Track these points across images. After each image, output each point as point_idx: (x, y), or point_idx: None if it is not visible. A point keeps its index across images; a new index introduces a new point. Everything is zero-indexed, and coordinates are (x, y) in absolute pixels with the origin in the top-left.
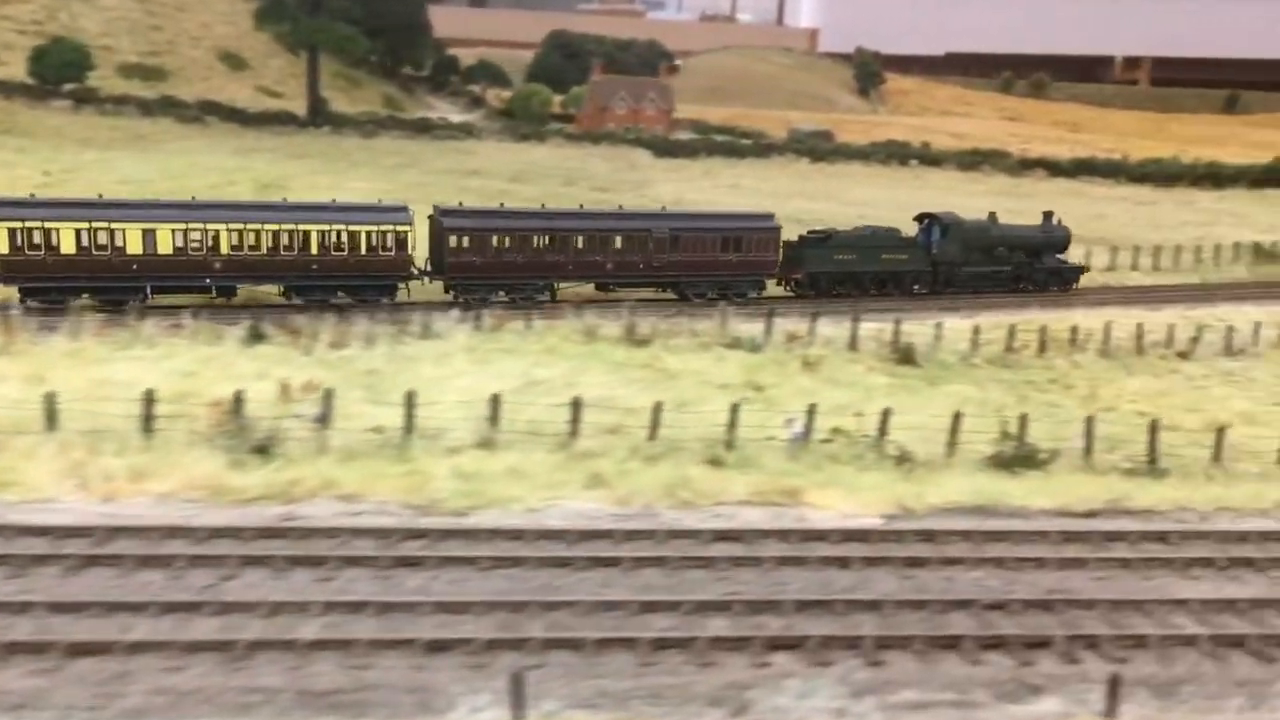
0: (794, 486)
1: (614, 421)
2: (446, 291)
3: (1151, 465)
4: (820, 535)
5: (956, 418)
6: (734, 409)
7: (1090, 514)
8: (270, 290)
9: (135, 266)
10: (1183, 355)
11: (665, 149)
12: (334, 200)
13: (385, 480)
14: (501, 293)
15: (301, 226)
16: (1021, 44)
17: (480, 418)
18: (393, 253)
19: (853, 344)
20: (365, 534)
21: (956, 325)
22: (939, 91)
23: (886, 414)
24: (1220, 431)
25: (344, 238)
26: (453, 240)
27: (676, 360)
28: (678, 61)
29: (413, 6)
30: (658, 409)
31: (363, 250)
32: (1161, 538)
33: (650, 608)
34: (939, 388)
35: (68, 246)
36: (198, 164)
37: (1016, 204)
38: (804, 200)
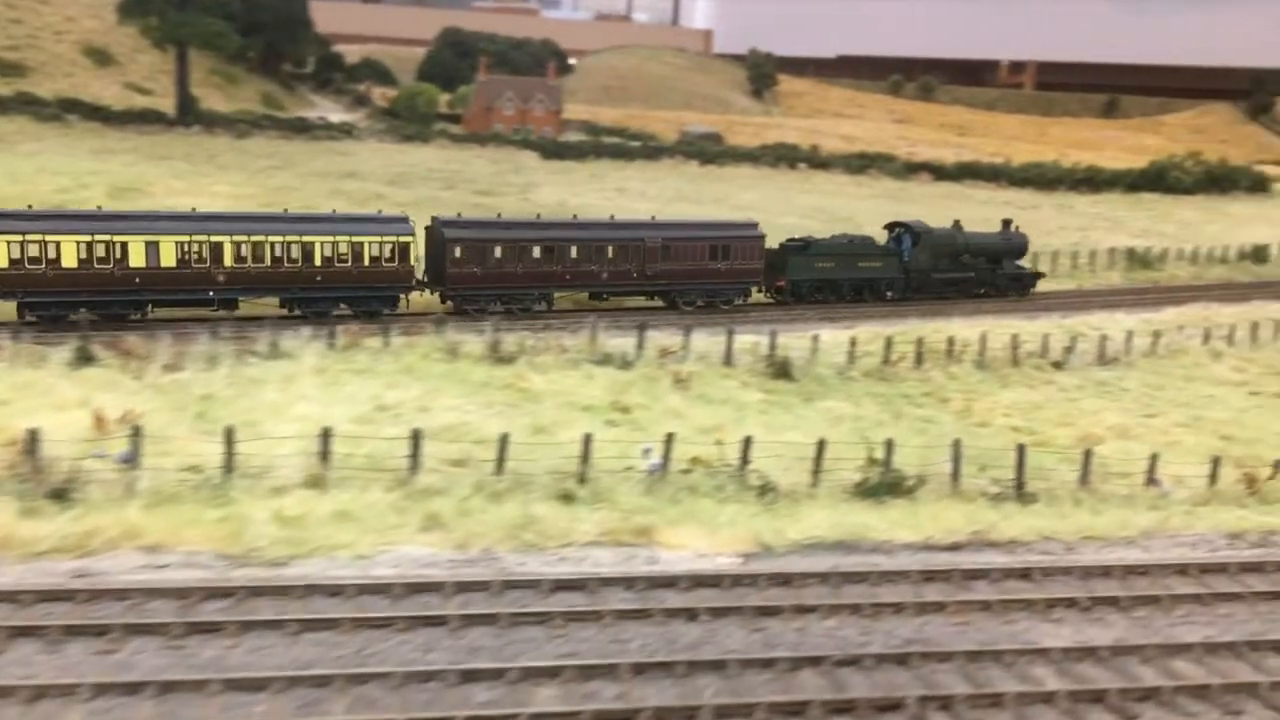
0: (647, 524)
1: (462, 452)
2: (444, 301)
3: (1019, 490)
4: (669, 581)
5: (821, 446)
6: (587, 440)
7: (954, 547)
8: (269, 303)
9: (138, 280)
10: (1057, 365)
11: (553, 151)
12: (334, 210)
13: (197, 527)
14: (498, 303)
15: (306, 238)
16: (911, 47)
17: (314, 454)
18: (395, 264)
19: (728, 359)
20: (162, 594)
21: (834, 337)
22: (831, 93)
23: (748, 442)
24: (1087, 455)
25: (348, 249)
26: (454, 251)
27: (542, 379)
28: (572, 61)
29: (292, 1)
30: (504, 440)
31: (365, 261)
32: (1024, 574)
33: (472, 677)
34: (813, 404)
35: (69, 260)
36: (47, 166)
37: (902, 207)
38: (690, 204)
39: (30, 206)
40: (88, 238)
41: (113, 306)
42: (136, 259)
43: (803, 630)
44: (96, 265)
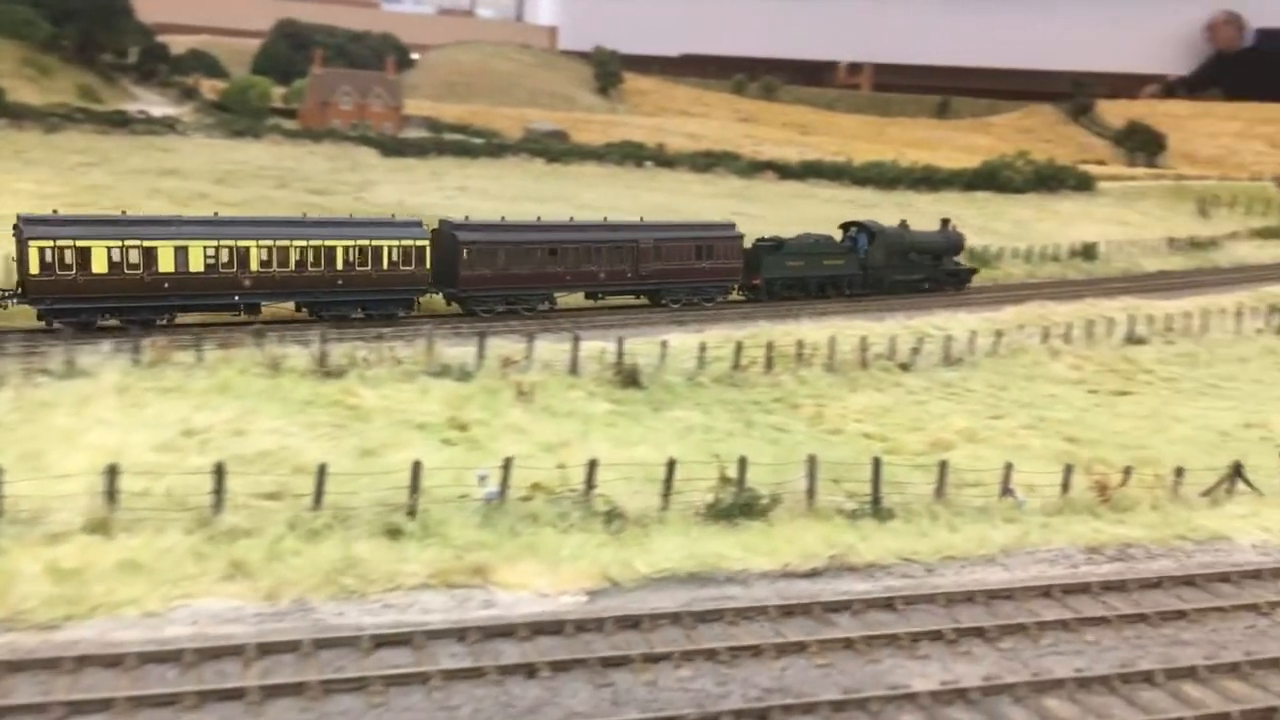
0: (482, 562)
1: (277, 484)
2: (449, 304)
3: (876, 506)
4: (506, 630)
5: (671, 466)
6: (416, 469)
7: (812, 574)
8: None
9: (166, 285)
10: (904, 367)
11: (393, 148)
12: (351, 215)
13: None
14: (504, 304)
15: (328, 243)
16: (754, 47)
17: (103, 491)
18: (412, 267)
19: (573, 367)
20: None
21: (683, 342)
22: (677, 92)
23: (593, 465)
24: (942, 466)
25: (367, 253)
26: (466, 253)
27: (373, 394)
28: (414, 56)
29: None
30: (322, 471)
31: (384, 265)
32: (887, 604)
33: None
34: (662, 414)
35: (99, 265)
36: None
37: (747, 206)
38: (535, 203)
39: (55, 211)
40: (119, 243)
41: (141, 312)
42: (166, 264)
43: (654, 684)
44: (127, 271)
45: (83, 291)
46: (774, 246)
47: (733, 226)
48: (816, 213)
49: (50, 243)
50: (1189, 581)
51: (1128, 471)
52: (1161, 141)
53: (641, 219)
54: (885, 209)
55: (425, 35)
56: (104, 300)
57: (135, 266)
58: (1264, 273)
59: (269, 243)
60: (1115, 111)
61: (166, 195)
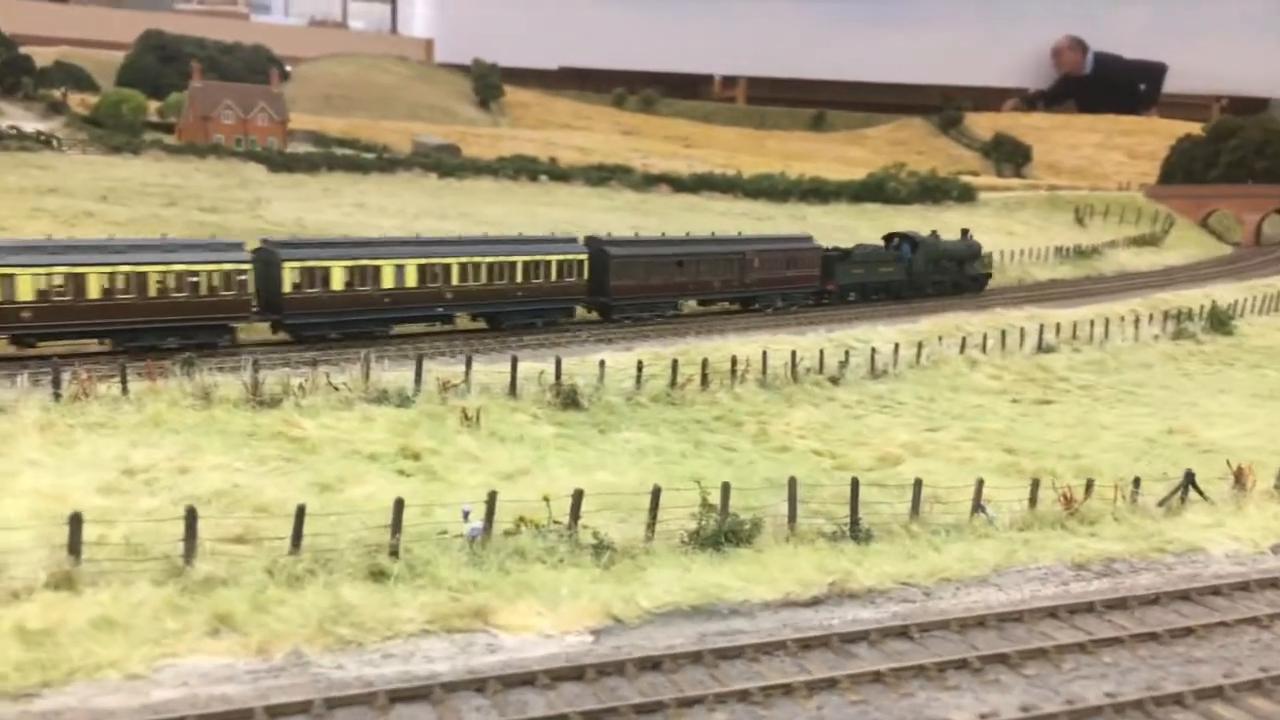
0: (480, 603)
1: (242, 525)
2: (590, 310)
3: (854, 529)
4: (526, 679)
5: (656, 494)
6: (399, 507)
7: (814, 602)
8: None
9: (387, 300)
10: (834, 381)
11: (281, 163)
12: (520, 234)
13: None
14: (642, 311)
15: (510, 259)
16: (630, 60)
17: (58, 541)
18: (574, 279)
19: (512, 389)
20: None
21: (616, 360)
22: (558, 105)
23: (579, 496)
24: (917, 485)
25: (540, 268)
26: (614, 266)
27: (314, 424)
28: (288, 68)
29: None
30: (301, 513)
31: (553, 278)
32: (902, 632)
33: None
34: (609, 436)
35: (337, 283)
36: None
37: (645, 220)
38: (435, 219)
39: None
40: (353, 262)
41: (368, 325)
42: (388, 281)
43: None
44: (358, 288)
45: (324, 307)
46: (842, 256)
47: (811, 239)
48: (714, 225)
49: (300, 264)
50: (1184, 597)
51: (1090, 485)
52: (1027, 153)
53: (740, 234)
54: (780, 221)
55: (297, 47)
56: (340, 315)
57: (365, 283)
58: (1150, 280)
59: (465, 259)
60: (982, 124)
61: (50, 215)
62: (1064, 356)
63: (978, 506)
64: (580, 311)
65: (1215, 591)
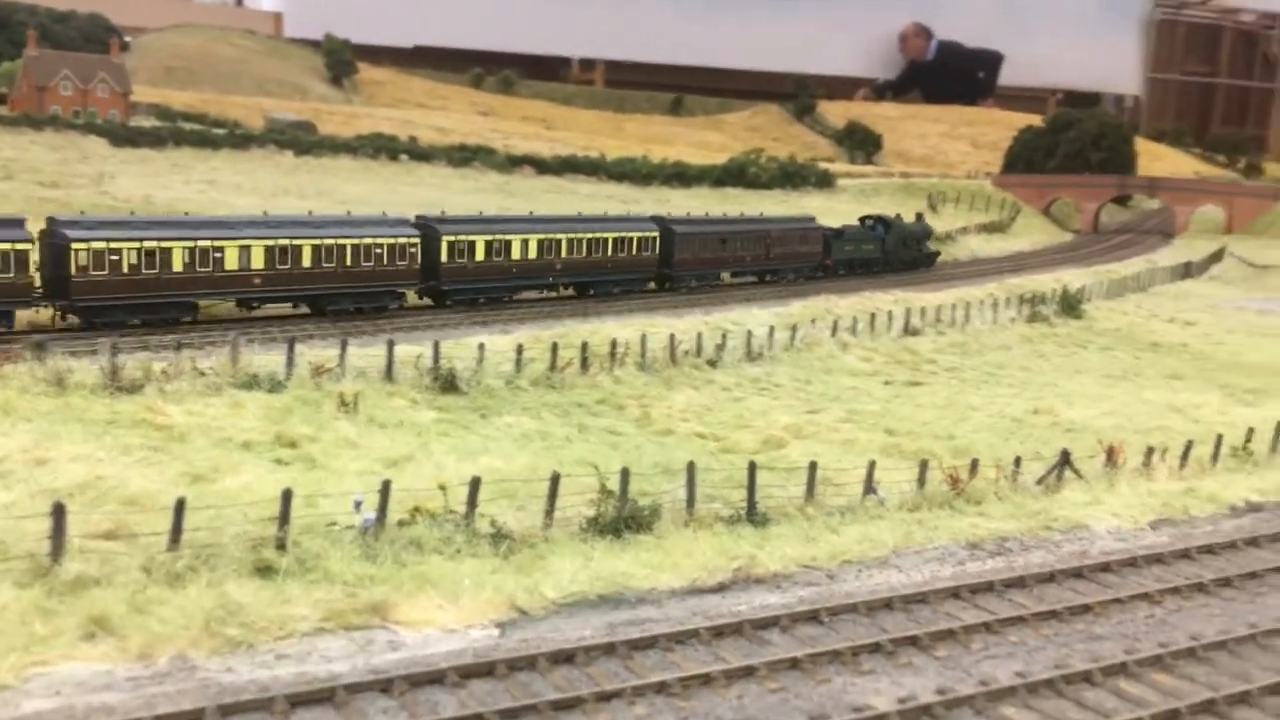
0: (378, 598)
1: (112, 520)
2: (661, 285)
3: (752, 512)
4: (434, 677)
5: (555, 480)
6: (286, 498)
7: (721, 588)
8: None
9: (514, 270)
10: (711, 364)
11: (125, 138)
12: (605, 213)
13: None
14: (696, 281)
15: (600, 235)
16: (487, 41)
17: None
18: (649, 253)
19: (389, 373)
20: None
21: (495, 343)
22: (413, 84)
23: (476, 484)
24: (812, 468)
25: (623, 243)
26: (678, 242)
27: (180, 411)
28: (128, 39)
29: None
30: (180, 506)
31: (634, 252)
32: (813, 617)
33: None
34: (491, 420)
35: (480, 255)
36: None
37: (510, 202)
38: (294, 198)
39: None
40: (493, 236)
41: (500, 292)
42: (515, 253)
43: None
44: (494, 259)
45: (470, 277)
46: (837, 235)
47: (814, 220)
48: (580, 207)
49: (455, 238)
50: (1078, 574)
51: (975, 465)
52: (878, 141)
53: (762, 214)
54: (645, 204)
55: (137, 17)
56: (479, 283)
57: (500, 255)
58: (1003, 265)
59: (572, 235)
60: (835, 112)
61: None
62: (929, 339)
63: (869, 488)
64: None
65: (1106, 568)
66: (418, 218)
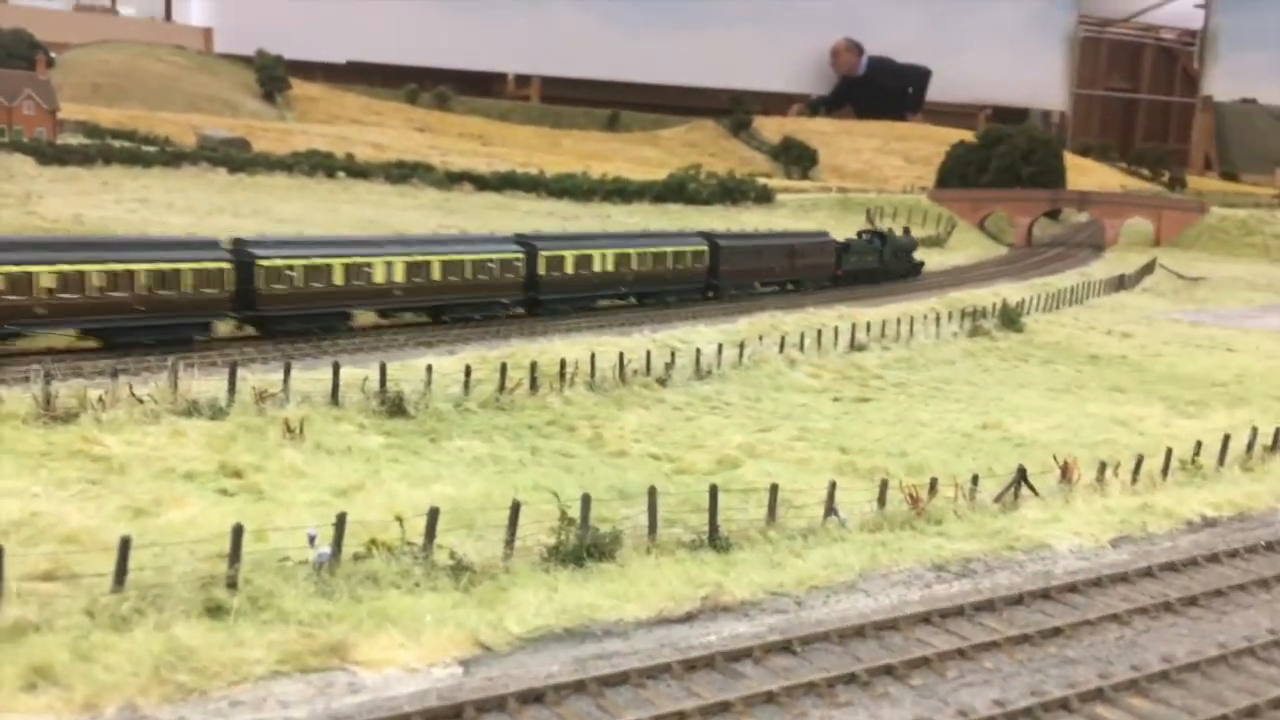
0: (335, 638)
1: (49, 560)
2: (708, 294)
3: (714, 537)
4: None
5: (515, 510)
6: (237, 534)
7: (688, 618)
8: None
9: (596, 281)
10: (661, 382)
11: (53, 155)
12: (664, 230)
13: None
14: (735, 290)
15: (661, 249)
16: (422, 56)
17: None
18: (701, 265)
19: (335, 397)
20: None
21: (441, 364)
22: (347, 100)
23: (435, 515)
24: (773, 490)
25: (678, 256)
26: (724, 255)
27: (119, 441)
28: (53, 55)
29: None
30: (125, 545)
31: (690, 264)
32: (786, 647)
33: None
34: (442, 445)
35: (570, 269)
36: None
37: (452, 219)
38: (230, 216)
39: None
40: (577, 252)
41: (586, 300)
42: (596, 265)
43: None
44: (581, 272)
45: (563, 288)
46: (845, 248)
47: (827, 234)
48: (521, 224)
49: (551, 253)
50: (1045, 595)
51: (934, 484)
52: (814, 156)
53: (786, 230)
54: (586, 220)
55: (61, 33)
56: (570, 293)
57: (585, 268)
58: (943, 279)
59: (641, 250)
60: (770, 127)
61: None
62: (875, 354)
63: (830, 510)
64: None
65: (1073, 589)
66: (517, 236)
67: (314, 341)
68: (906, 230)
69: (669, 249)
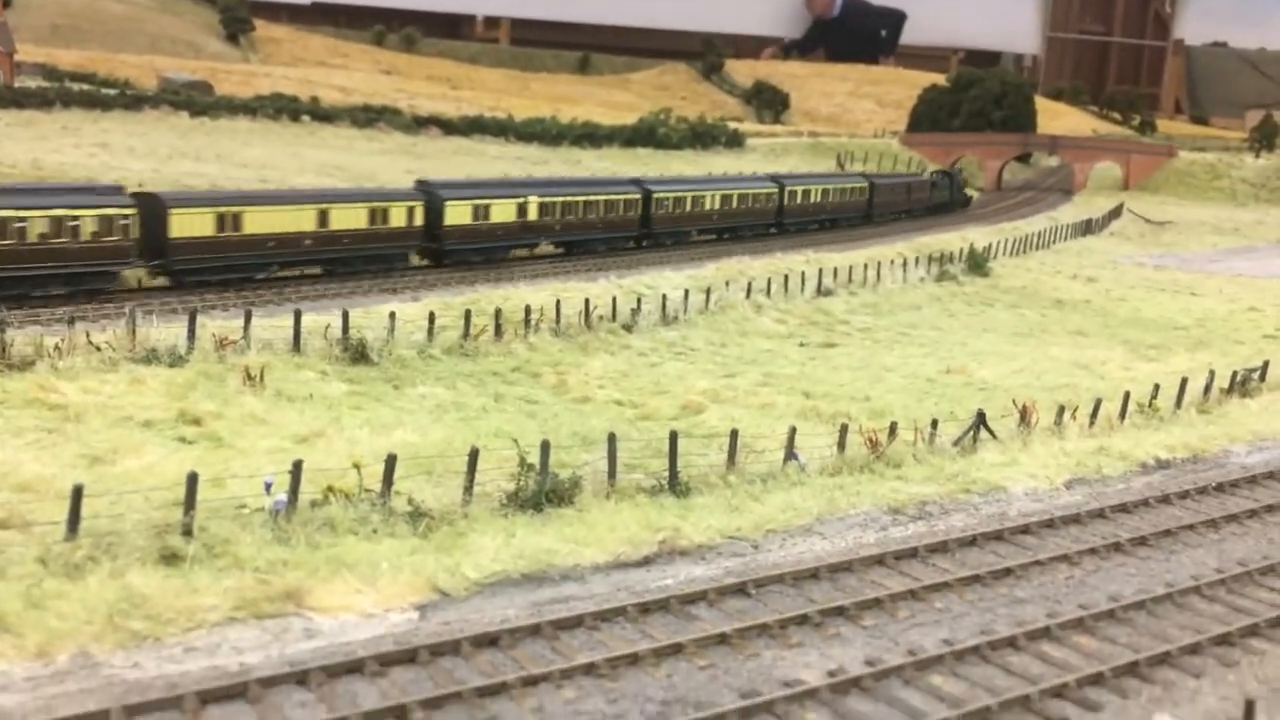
0: (291, 584)
1: (3, 508)
2: (769, 230)
3: (674, 482)
4: (353, 666)
5: (474, 456)
6: (192, 482)
7: (646, 561)
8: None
9: (715, 218)
10: (627, 328)
11: (10, 99)
12: (709, 173)
13: None
14: (795, 228)
15: (741, 190)
16: None
17: None
18: (769, 206)
19: (296, 344)
20: None
21: (404, 311)
22: (313, 41)
23: (392, 461)
24: (733, 436)
25: (759, 198)
26: (787, 197)
27: (76, 389)
28: None
29: None
30: (78, 493)
31: (764, 204)
32: (740, 590)
33: None
34: (405, 392)
35: (675, 209)
36: None
37: (419, 164)
38: (192, 161)
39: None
40: (679, 194)
41: (686, 235)
42: (711, 205)
43: (542, 710)
44: (687, 210)
45: (672, 223)
46: (933, 185)
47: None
48: (489, 169)
49: (662, 194)
50: (998, 537)
51: (893, 428)
52: (786, 100)
53: (907, 170)
54: (554, 165)
55: None
56: (677, 228)
57: (688, 208)
58: (912, 225)
59: (725, 191)
60: (743, 71)
61: None
62: (842, 300)
63: (790, 454)
64: None
65: (1025, 530)
66: (633, 180)
67: (276, 288)
68: (960, 170)
69: (750, 191)
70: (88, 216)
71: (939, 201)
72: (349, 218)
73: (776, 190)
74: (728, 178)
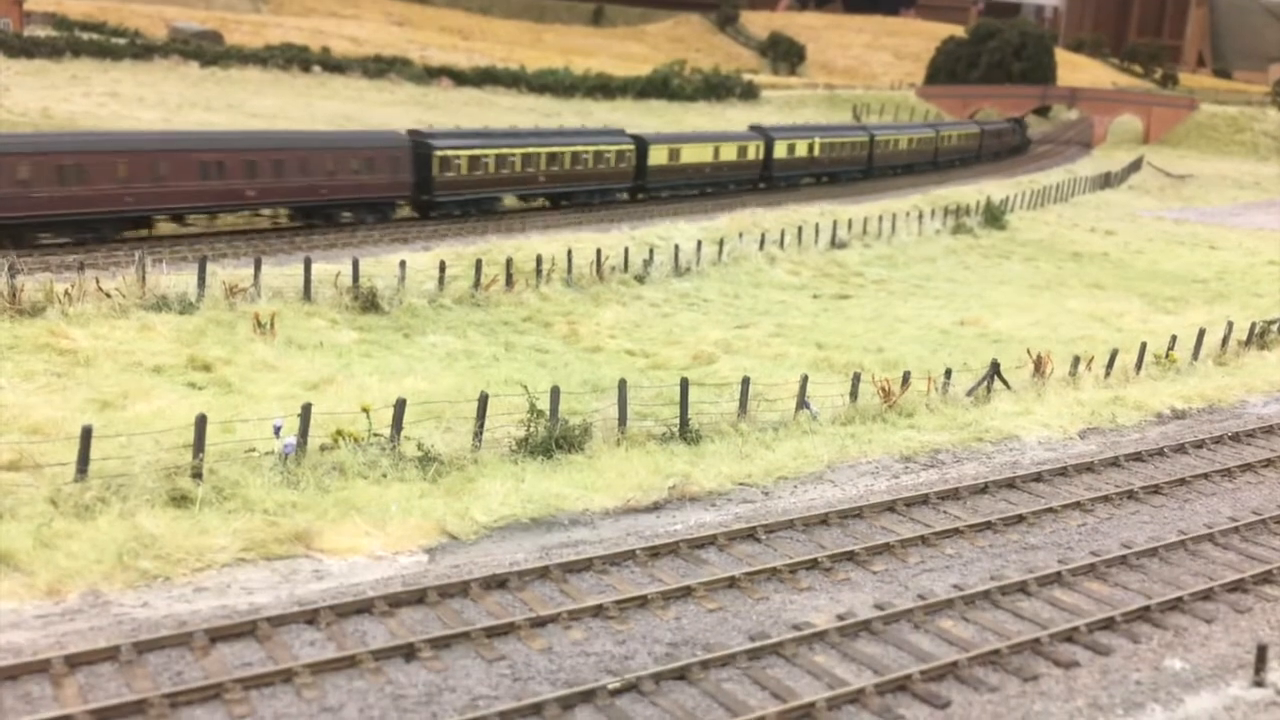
0: (301, 526)
1: (14, 450)
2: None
3: (684, 429)
4: (362, 606)
5: (484, 402)
6: (201, 423)
7: (655, 507)
8: None
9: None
10: (639, 279)
11: (20, 48)
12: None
13: None
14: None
15: (839, 139)
16: None
17: None
18: (862, 154)
19: (307, 293)
20: None
21: (416, 260)
22: None
23: (402, 406)
24: (745, 384)
25: (917, 141)
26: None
27: (86, 334)
28: None
29: None
30: (87, 434)
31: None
32: (750, 535)
33: None
34: (415, 340)
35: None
36: None
37: (431, 115)
38: (202, 111)
39: None
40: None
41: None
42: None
43: (550, 651)
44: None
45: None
46: (995, 133)
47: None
48: (501, 119)
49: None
50: (1011, 484)
51: (906, 378)
52: (802, 52)
53: (999, 118)
54: (567, 117)
55: None
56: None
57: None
58: (929, 177)
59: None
60: (758, 22)
61: None
62: (856, 252)
63: (802, 403)
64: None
65: (1038, 478)
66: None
67: (287, 237)
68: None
69: (846, 139)
70: (613, 150)
71: (1014, 145)
72: (841, 147)
73: (867, 140)
74: (819, 126)
